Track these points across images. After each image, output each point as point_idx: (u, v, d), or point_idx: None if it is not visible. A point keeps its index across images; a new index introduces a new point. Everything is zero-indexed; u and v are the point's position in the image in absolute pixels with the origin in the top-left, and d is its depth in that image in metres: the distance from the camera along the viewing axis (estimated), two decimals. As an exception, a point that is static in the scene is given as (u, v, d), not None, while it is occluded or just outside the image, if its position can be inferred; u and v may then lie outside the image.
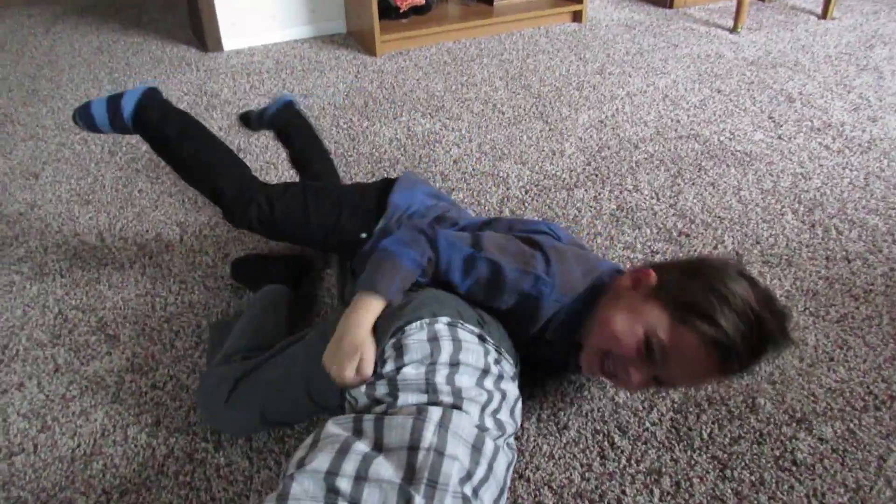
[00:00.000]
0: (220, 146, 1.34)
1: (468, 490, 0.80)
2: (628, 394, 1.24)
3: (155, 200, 1.77)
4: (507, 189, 1.79)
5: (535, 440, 1.16)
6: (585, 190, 1.79)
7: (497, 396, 0.94)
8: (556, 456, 1.13)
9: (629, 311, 0.99)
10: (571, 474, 1.11)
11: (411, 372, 0.91)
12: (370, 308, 0.98)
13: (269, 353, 1.13)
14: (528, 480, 1.09)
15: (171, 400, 1.23)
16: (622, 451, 1.14)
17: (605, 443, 1.15)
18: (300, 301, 1.43)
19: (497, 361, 0.98)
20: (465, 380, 0.92)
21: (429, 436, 0.82)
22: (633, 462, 1.12)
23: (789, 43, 2.72)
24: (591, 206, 1.73)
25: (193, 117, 1.38)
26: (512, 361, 1.02)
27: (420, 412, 0.84)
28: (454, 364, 0.93)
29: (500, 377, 0.97)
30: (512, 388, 0.98)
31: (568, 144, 2.00)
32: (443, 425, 0.83)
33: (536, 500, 1.07)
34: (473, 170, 1.87)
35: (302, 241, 1.39)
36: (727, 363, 0.95)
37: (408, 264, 1.00)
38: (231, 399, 1.10)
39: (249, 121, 1.74)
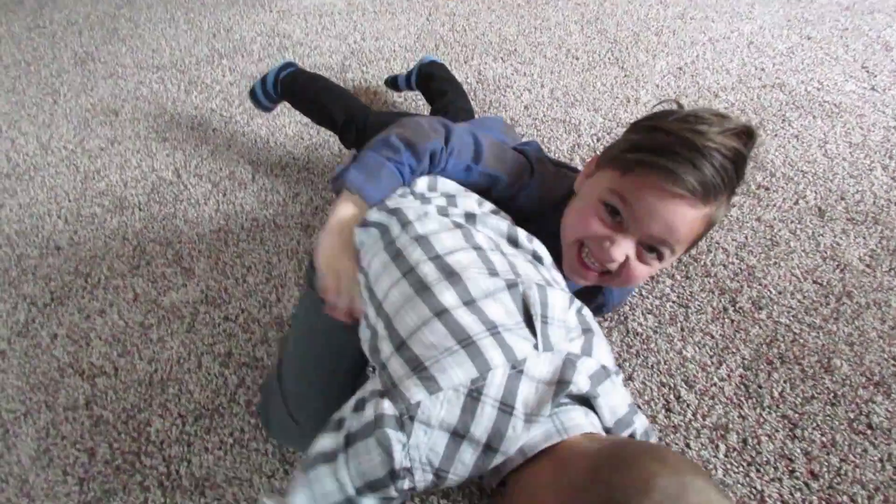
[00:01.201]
0: (335, 89, 1.57)
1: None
2: (697, 348, 1.21)
3: (228, 140, 1.80)
4: (579, 136, 1.75)
5: (598, 389, 1.15)
6: (660, 139, 1.73)
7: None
8: (620, 406, 1.12)
9: (583, 193, 0.92)
10: (634, 425, 1.10)
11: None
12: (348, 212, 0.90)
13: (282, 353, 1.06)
14: (589, 428, 1.09)
15: (243, 332, 1.26)
16: (688, 405, 1.12)
17: (671, 396, 1.14)
18: None
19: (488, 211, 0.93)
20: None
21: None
22: (699, 416, 1.11)
23: (890, -13, 2.53)
24: (665, 156, 1.67)
25: (314, 74, 1.63)
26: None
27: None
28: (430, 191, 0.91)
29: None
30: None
31: (644, 92, 1.93)
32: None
33: (598, 447, 1.06)
34: (544, 116, 1.83)
35: None
36: (692, 187, 0.80)
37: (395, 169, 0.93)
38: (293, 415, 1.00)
39: (396, 84, 1.92)
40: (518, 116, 1.83)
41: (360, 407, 0.69)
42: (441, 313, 0.70)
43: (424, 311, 0.70)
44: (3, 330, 1.29)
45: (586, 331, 0.77)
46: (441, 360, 0.67)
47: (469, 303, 0.71)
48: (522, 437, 0.65)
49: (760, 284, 1.33)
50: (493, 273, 0.75)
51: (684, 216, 0.82)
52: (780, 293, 1.31)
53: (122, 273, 1.41)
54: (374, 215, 0.86)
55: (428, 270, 0.74)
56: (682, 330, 1.25)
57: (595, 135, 1.75)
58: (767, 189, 1.56)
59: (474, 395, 0.66)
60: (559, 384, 0.68)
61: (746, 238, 1.44)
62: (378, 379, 0.71)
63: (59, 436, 1.10)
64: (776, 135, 1.74)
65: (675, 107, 0.87)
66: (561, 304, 0.75)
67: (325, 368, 1.00)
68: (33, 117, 1.96)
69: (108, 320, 1.30)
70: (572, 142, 1.73)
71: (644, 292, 1.32)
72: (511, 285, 0.74)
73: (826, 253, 1.40)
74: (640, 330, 1.25)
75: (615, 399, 0.73)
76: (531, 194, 1.00)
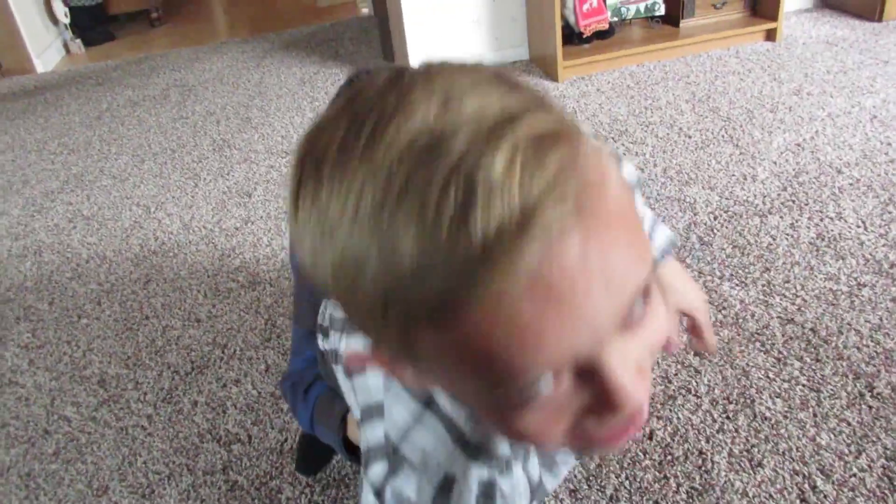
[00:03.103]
0: None
1: None
2: (832, 436, 1.15)
3: (351, 219, 1.91)
4: (695, 215, 1.74)
5: (726, 475, 1.11)
6: (781, 217, 1.69)
7: None
8: (751, 494, 1.08)
9: None
10: (767, 515, 1.05)
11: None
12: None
13: None
14: (719, 516, 1.05)
15: (366, 405, 1.31)
16: (825, 496, 1.06)
17: (806, 485, 1.08)
18: None
19: None
20: None
21: None
22: (838, 509, 1.05)
23: None
24: (787, 234, 1.63)
25: None
26: None
27: None
28: None
29: None
30: None
31: (761, 169, 1.91)
32: None
33: (728, 537, 1.02)
34: (658, 195, 1.84)
35: None
36: None
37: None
38: None
39: None
40: (631, 195, 1.84)
41: None
42: None
43: None
44: (151, 396, 1.40)
45: None
46: None
47: None
48: None
49: (900, 369, 1.26)
50: None
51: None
52: (922, 379, 1.24)
53: (255, 345, 1.50)
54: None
55: None
56: (815, 416, 1.19)
57: (711, 213, 1.73)
58: (901, 268, 1.49)
59: None
60: None
61: (881, 320, 1.37)
62: None
63: (198, 499, 1.17)
64: (908, 211, 1.67)
65: None
66: None
67: None
68: (177, 199, 2.15)
69: (242, 389, 1.39)
70: (688, 220, 1.72)
71: (771, 375, 1.28)
72: None
73: (973, 336, 1.31)
74: (768, 414, 1.20)
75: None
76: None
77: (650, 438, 1.18)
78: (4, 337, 1.65)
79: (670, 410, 1.23)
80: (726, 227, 1.68)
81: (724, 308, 1.44)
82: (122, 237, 1.99)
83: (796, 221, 1.67)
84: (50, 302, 1.76)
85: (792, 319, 1.39)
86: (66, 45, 4.20)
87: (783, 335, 1.36)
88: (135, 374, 1.47)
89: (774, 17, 2.70)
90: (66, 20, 4.12)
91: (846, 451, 1.13)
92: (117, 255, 1.91)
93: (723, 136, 2.09)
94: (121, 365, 1.50)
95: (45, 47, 3.96)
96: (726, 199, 1.79)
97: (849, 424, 1.17)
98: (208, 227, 1.97)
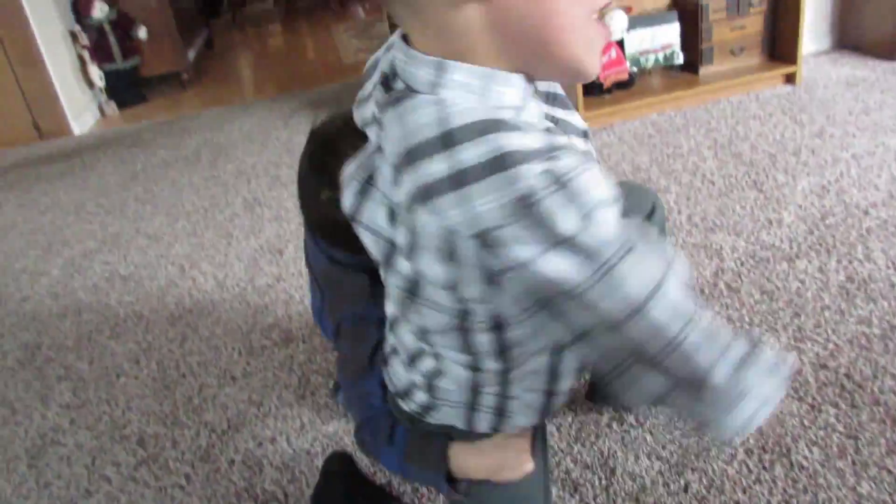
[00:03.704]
0: None
1: None
2: (873, 484, 1.14)
3: (380, 273, 1.94)
4: (721, 261, 1.75)
5: (765, 528, 1.10)
6: (809, 261, 1.69)
7: None
8: (792, 547, 1.06)
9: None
10: (810, 569, 1.03)
11: None
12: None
13: None
14: (759, 571, 1.04)
15: (400, 461, 1.32)
16: (868, 549, 1.05)
17: (848, 537, 1.07)
18: None
19: None
20: None
21: None
22: (882, 562, 1.03)
23: None
24: (816, 278, 1.63)
25: None
26: None
27: None
28: None
29: None
30: None
31: (786, 213, 1.91)
32: None
33: (771, 593, 1.01)
34: (684, 242, 1.85)
35: None
36: None
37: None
38: None
39: None
40: (657, 242, 1.85)
41: None
42: None
43: None
44: (188, 455, 1.42)
45: None
46: None
47: None
48: None
49: (938, 415, 1.25)
50: None
51: None
52: (962, 425, 1.22)
53: (290, 402, 1.52)
54: None
55: None
56: (854, 464, 1.18)
57: (738, 259, 1.74)
58: (935, 311, 1.48)
59: None
60: None
61: (916, 364, 1.36)
62: None
63: (237, 559, 1.19)
64: (938, 252, 1.66)
65: None
66: None
67: None
68: (211, 258, 2.21)
69: (278, 447, 1.41)
70: (715, 267, 1.73)
71: (806, 422, 1.27)
72: None
73: None
74: (805, 464, 1.19)
75: None
76: None
77: (685, 491, 1.18)
78: (46, 396, 1.70)
79: (705, 462, 1.22)
80: (754, 273, 1.68)
81: (755, 355, 1.43)
82: (158, 296, 2.05)
83: (825, 265, 1.67)
84: (90, 361, 1.80)
85: (825, 365, 1.39)
86: (100, 108, 4.36)
87: (816, 381, 1.35)
88: (173, 432, 1.50)
89: (793, 61, 2.73)
90: (101, 83, 4.28)
91: (888, 500, 1.11)
92: (154, 314, 1.96)
93: (746, 182, 2.11)
94: (159, 424, 1.53)
95: (82, 110, 4.11)
96: (752, 244, 1.79)
97: (890, 472, 1.16)
98: (241, 286, 2.02)
